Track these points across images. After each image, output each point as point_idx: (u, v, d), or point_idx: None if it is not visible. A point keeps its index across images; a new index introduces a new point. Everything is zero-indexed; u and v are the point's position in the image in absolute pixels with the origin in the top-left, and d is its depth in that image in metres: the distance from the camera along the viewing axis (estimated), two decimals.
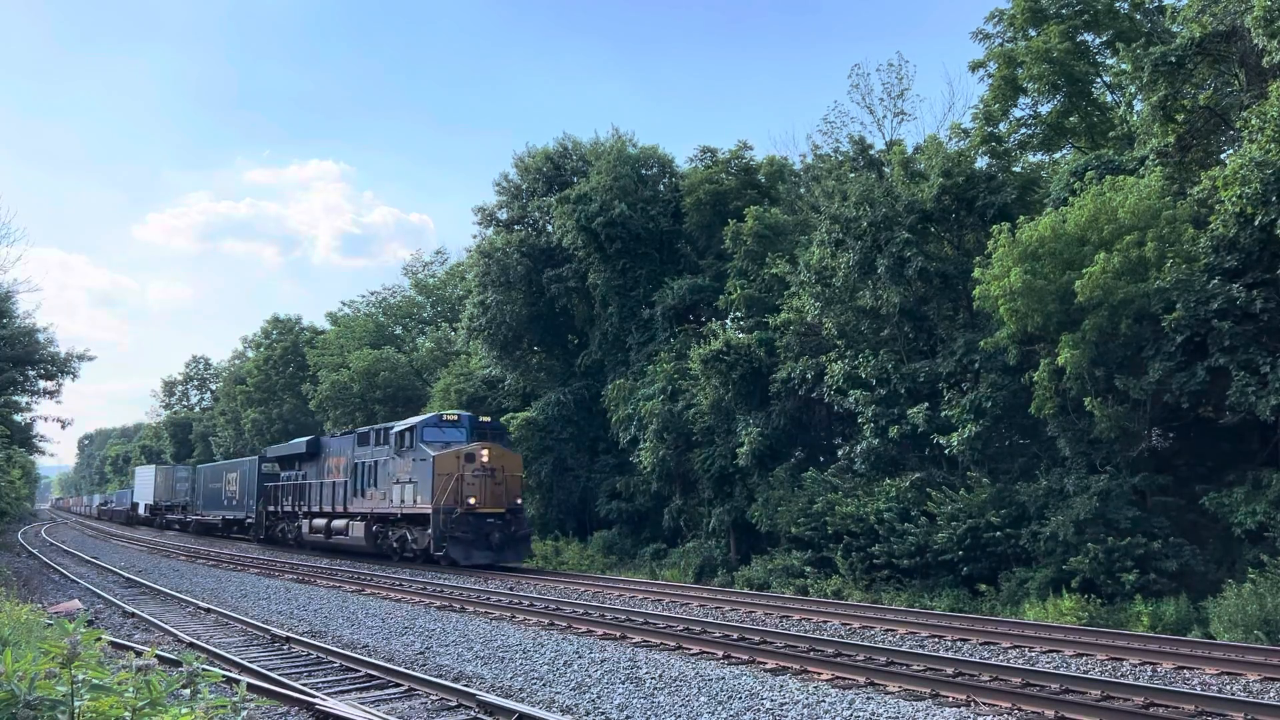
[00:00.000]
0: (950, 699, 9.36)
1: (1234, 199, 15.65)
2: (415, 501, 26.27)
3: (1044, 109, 26.26)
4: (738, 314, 27.82)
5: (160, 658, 6.48)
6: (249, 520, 41.89)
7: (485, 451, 25.69)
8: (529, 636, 13.36)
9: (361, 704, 8.97)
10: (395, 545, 27.84)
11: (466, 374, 40.36)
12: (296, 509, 35.34)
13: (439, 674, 10.62)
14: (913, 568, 19.02)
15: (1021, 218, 18.29)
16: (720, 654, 11.95)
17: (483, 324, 36.06)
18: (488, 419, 28.78)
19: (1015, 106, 26.31)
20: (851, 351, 21.88)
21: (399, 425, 28.23)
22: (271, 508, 38.44)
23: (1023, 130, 26.95)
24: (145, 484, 63.56)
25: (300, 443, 36.70)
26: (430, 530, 25.22)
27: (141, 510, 63.50)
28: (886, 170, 24.25)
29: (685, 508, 26.68)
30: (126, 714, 3.43)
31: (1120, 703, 8.97)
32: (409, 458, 26.97)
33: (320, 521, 32.46)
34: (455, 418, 27.79)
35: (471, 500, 25.03)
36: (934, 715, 8.68)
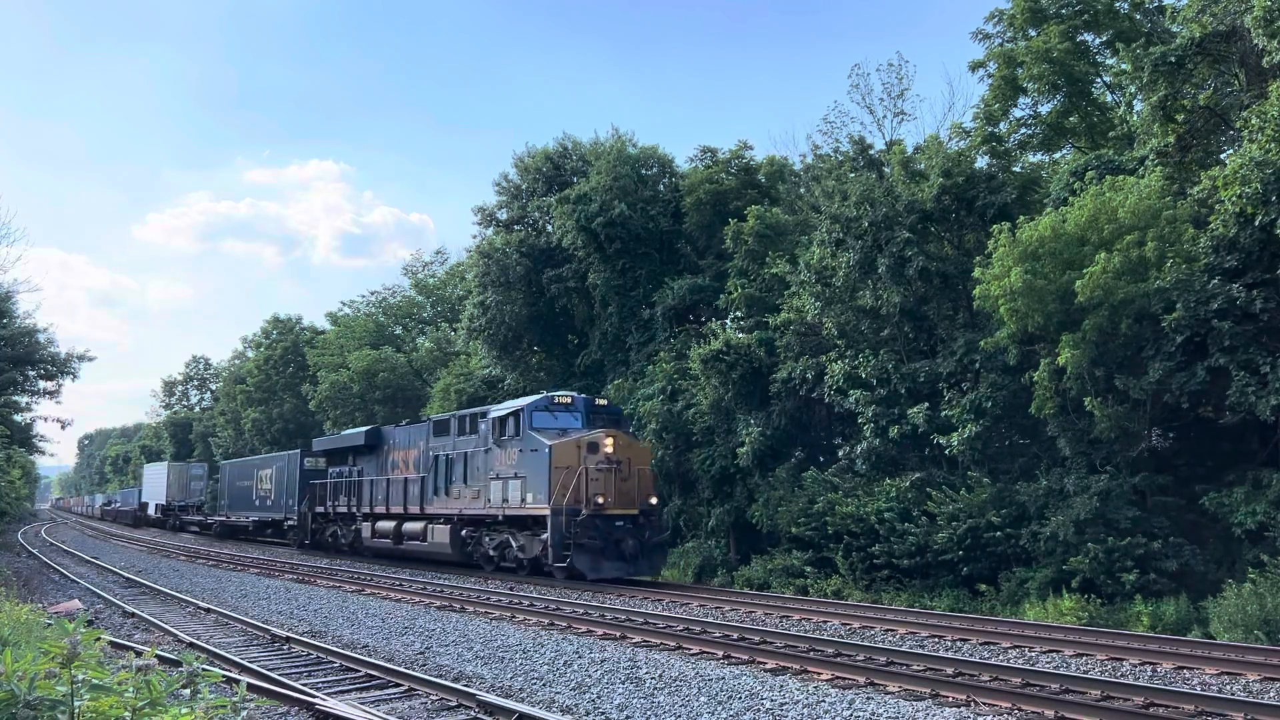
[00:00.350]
0: (950, 699, 9.36)
1: (1234, 199, 15.65)
2: (524, 500, 21.83)
3: (1044, 109, 26.27)
4: (738, 314, 27.82)
5: (160, 658, 6.48)
6: (289, 523, 37.23)
7: (610, 440, 21.27)
8: (529, 636, 13.37)
9: (361, 704, 8.97)
10: (492, 553, 23.39)
11: (466, 374, 40.37)
12: (353, 509, 30.78)
13: (439, 674, 10.62)
14: (913, 568, 19.02)
15: (1022, 218, 18.29)
16: (720, 654, 11.95)
17: (483, 324, 36.07)
18: (604, 401, 24.11)
19: (1015, 106, 26.31)
20: (852, 351, 21.89)
21: (496, 410, 23.71)
22: (319, 508, 33.80)
23: (1023, 130, 26.95)
24: (156, 482, 60.05)
25: (356, 434, 32.20)
26: (547, 535, 20.84)
27: (152, 510, 60.00)
28: (886, 170, 24.26)
29: (685, 508, 26.69)
30: (126, 714, 3.43)
31: (1120, 703, 8.97)
32: (512, 448, 22.44)
33: (386, 525, 28.14)
34: (568, 400, 23.00)
35: (600, 499, 20.64)
36: (934, 715, 8.68)
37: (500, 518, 22.86)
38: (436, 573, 24.09)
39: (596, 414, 22.93)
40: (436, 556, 25.78)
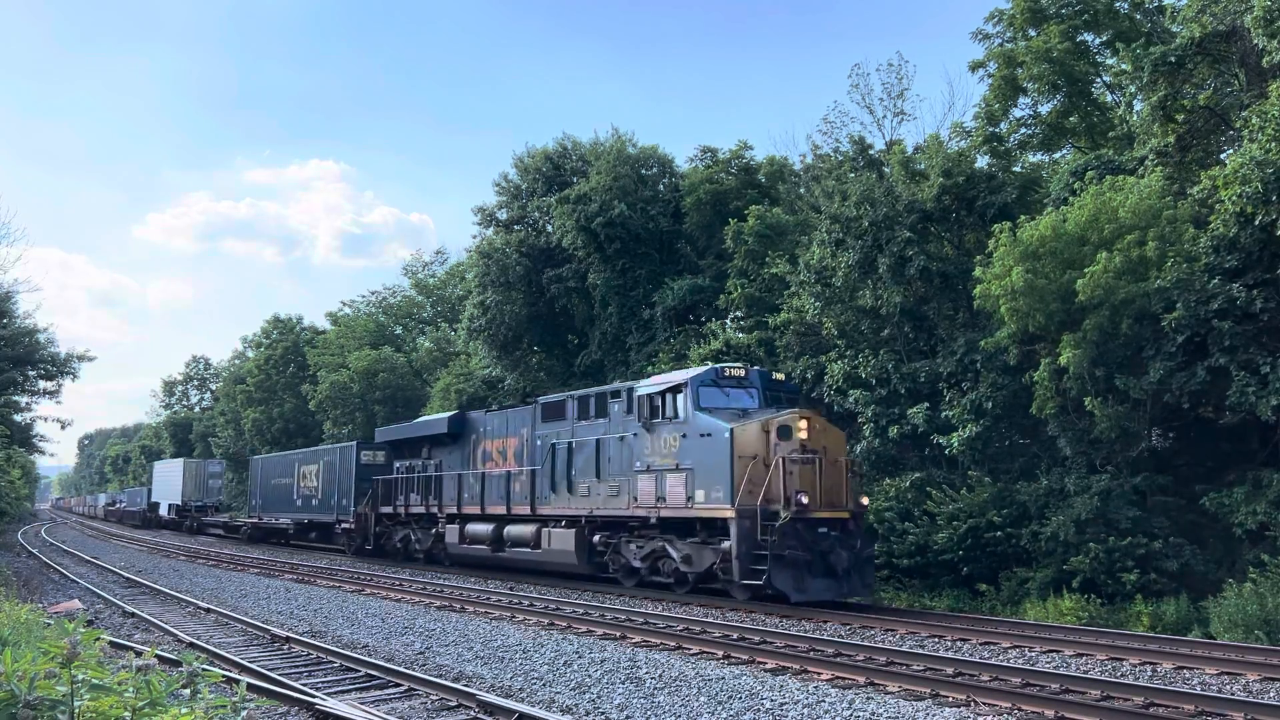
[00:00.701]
0: (950, 699, 9.35)
1: (1234, 198, 15.65)
2: (691, 499, 17.04)
3: (1044, 109, 26.29)
4: (738, 314, 27.83)
5: (160, 658, 6.48)
6: (343, 525, 32.15)
7: (804, 423, 16.57)
8: (529, 636, 13.37)
9: (361, 704, 8.97)
10: (638, 564, 18.81)
11: (466, 374, 40.41)
12: (432, 510, 26.20)
13: (439, 674, 10.62)
14: (913, 567, 19.02)
15: (1022, 218, 18.31)
16: (720, 654, 11.95)
17: (483, 324, 36.09)
18: (781, 377, 19.01)
19: (1015, 106, 26.33)
20: (851, 351, 21.90)
21: (645, 386, 18.84)
22: (385, 508, 29.16)
23: (1023, 130, 26.98)
24: (170, 481, 55.66)
25: (434, 421, 27.87)
26: (730, 544, 16.15)
27: (164, 511, 55.83)
28: (886, 170, 24.27)
29: None
30: (126, 714, 3.43)
31: (1120, 703, 8.97)
32: (669, 432, 17.74)
33: (481, 528, 23.42)
34: (741, 372, 18.19)
35: (804, 498, 15.85)
36: (934, 715, 8.68)
37: (652, 520, 18.04)
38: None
39: (773, 391, 18.29)
40: (553, 567, 21.24)
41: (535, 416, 22.30)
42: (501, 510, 22.80)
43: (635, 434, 18.64)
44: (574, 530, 20.12)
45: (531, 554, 21.47)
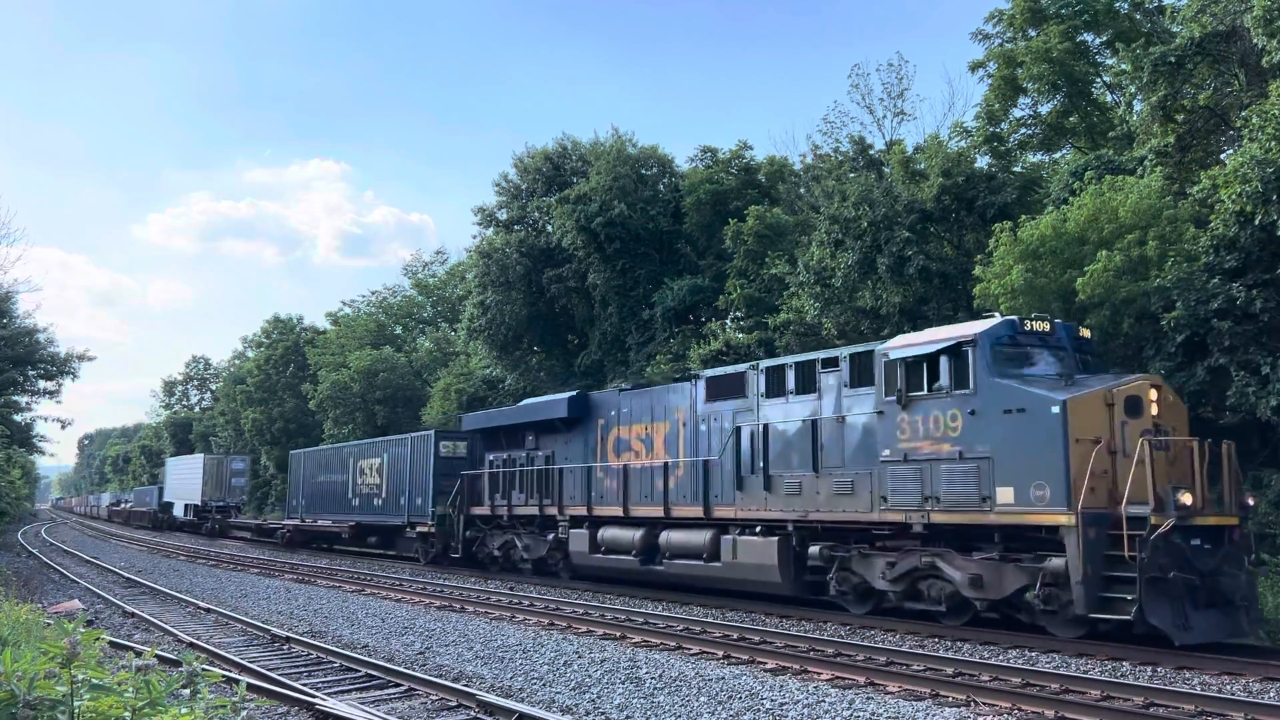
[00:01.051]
0: (950, 699, 9.35)
1: (1234, 198, 15.66)
2: (989, 499, 12.61)
3: (1044, 109, 26.32)
4: (737, 314, 27.86)
5: (160, 658, 6.48)
6: (418, 529, 27.29)
7: (1155, 394, 12.68)
8: (529, 636, 13.37)
9: (361, 704, 8.97)
10: (887, 586, 14.13)
11: (466, 374, 40.42)
12: (547, 511, 21.49)
13: (439, 674, 10.62)
14: None
15: (1022, 217, 18.33)
16: (720, 654, 11.95)
17: (483, 324, 36.12)
18: (1086, 333, 14.57)
19: (1015, 106, 26.36)
20: None
21: (895, 348, 14.21)
22: (476, 509, 24.26)
23: (1023, 130, 27.00)
24: (186, 478, 50.93)
25: (550, 402, 22.69)
26: (1070, 562, 11.77)
27: (180, 512, 51.32)
28: (886, 170, 24.30)
29: None
30: (126, 714, 3.43)
31: (1120, 703, 8.96)
32: (946, 409, 13.28)
33: (623, 534, 18.98)
34: (1046, 326, 13.75)
35: (1187, 498, 11.72)
36: (934, 715, 8.68)
37: (916, 528, 13.57)
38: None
39: (1082, 353, 13.95)
40: (738, 585, 16.81)
41: (695, 394, 17.93)
42: (654, 512, 18.41)
43: (880, 412, 14.16)
44: (775, 539, 15.69)
45: (705, 568, 17.08)
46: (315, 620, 15.46)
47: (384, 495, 29.52)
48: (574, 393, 22.33)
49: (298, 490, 36.92)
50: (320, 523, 33.98)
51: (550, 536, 21.48)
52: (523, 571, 22.85)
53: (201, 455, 54.00)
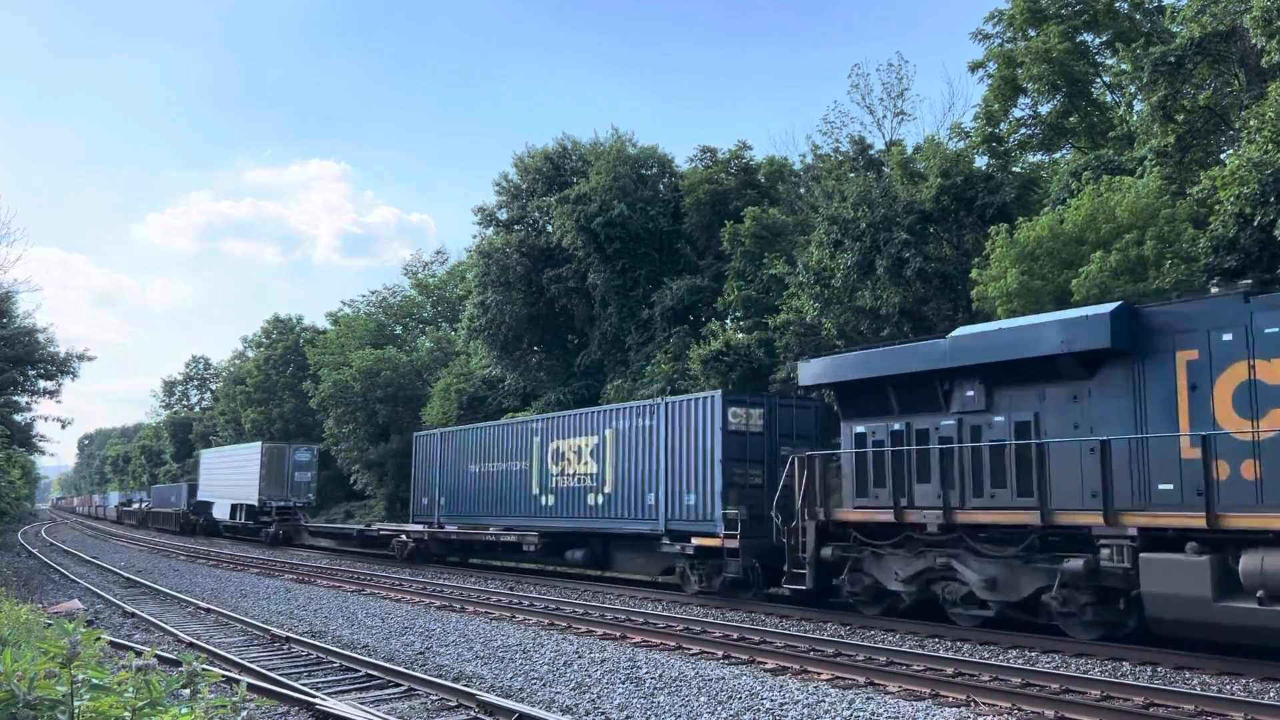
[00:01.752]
0: (950, 699, 9.36)
1: (1233, 199, 15.66)
2: None
3: (1044, 109, 26.33)
4: (737, 314, 27.87)
5: (160, 658, 6.49)
6: (695, 543, 17.92)
7: None
8: (529, 636, 13.37)
9: (361, 704, 8.98)
10: None
11: (466, 374, 40.41)
12: (1059, 517, 12.12)
13: (439, 674, 10.62)
14: None
15: (1021, 218, 18.32)
16: (720, 654, 11.95)
17: (483, 324, 36.12)
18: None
19: (1015, 107, 26.37)
20: None
21: None
22: (847, 511, 14.87)
23: (1022, 130, 27.01)
24: (236, 471, 41.24)
25: (1060, 322, 12.43)
26: None
27: (223, 513, 42.38)
28: (886, 170, 24.31)
29: None
30: (126, 714, 3.43)
31: (1120, 703, 8.97)
32: None
33: None
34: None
35: None
36: (934, 715, 8.69)
37: None
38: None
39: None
40: None
41: None
42: None
43: None
44: None
45: None
46: (315, 620, 15.46)
47: (608, 489, 20.59)
48: (1115, 306, 12.28)
49: (431, 485, 28.07)
50: (477, 529, 25.12)
51: (1069, 565, 11.83)
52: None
53: (259, 443, 41.71)
